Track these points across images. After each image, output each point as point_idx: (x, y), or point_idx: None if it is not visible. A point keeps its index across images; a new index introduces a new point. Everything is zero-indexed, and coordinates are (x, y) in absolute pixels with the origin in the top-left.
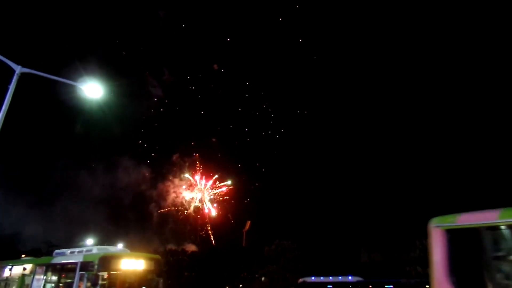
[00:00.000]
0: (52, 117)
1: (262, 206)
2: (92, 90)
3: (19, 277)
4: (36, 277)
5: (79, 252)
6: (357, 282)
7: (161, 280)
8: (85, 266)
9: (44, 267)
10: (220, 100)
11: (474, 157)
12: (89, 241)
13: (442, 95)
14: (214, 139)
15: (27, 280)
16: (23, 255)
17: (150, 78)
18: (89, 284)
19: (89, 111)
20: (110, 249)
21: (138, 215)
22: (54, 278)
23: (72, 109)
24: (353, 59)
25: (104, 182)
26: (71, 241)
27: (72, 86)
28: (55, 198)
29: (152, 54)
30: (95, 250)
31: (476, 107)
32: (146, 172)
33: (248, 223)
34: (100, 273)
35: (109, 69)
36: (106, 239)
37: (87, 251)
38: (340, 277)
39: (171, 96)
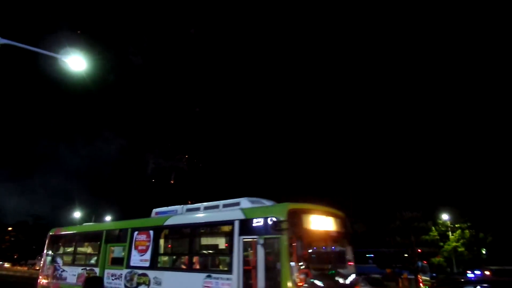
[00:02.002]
0: (31, 89)
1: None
2: (76, 62)
3: (102, 247)
4: (138, 246)
5: (217, 207)
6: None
7: (350, 248)
8: (251, 226)
9: (152, 232)
10: (202, 66)
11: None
12: (77, 213)
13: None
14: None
15: (117, 252)
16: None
17: (130, 46)
18: (268, 252)
19: (69, 83)
20: (264, 201)
21: (119, 186)
22: (177, 246)
23: (52, 81)
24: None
25: (85, 154)
26: (58, 214)
27: (53, 59)
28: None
29: (130, 22)
30: (245, 203)
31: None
32: (126, 142)
33: None
34: (287, 235)
35: (87, 39)
36: (94, 210)
37: (228, 206)
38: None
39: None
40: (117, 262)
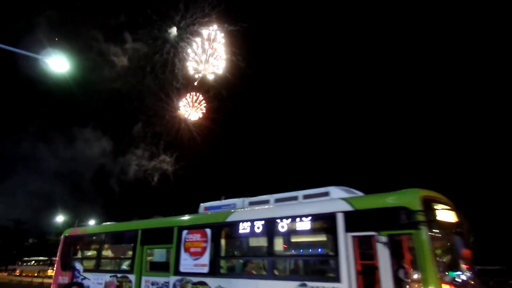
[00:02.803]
0: (10, 90)
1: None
2: (58, 63)
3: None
4: (190, 248)
5: (294, 198)
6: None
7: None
8: (364, 219)
9: (210, 230)
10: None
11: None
12: (60, 217)
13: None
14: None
15: (159, 255)
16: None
17: (112, 46)
18: (396, 251)
19: (50, 83)
20: (355, 191)
21: (101, 188)
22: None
23: (32, 82)
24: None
25: (66, 156)
26: (40, 218)
27: (35, 60)
28: (15, 174)
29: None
30: (337, 192)
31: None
32: (108, 144)
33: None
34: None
35: (69, 40)
36: (77, 214)
37: (312, 196)
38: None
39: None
40: (160, 267)
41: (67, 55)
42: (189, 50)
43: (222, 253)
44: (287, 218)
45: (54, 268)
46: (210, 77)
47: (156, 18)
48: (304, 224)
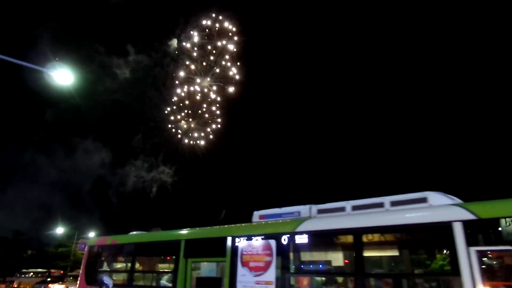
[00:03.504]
0: (12, 101)
1: None
2: (62, 76)
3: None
4: (250, 262)
5: (380, 205)
6: None
7: None
8: (495, 231)
9: (275, 242)
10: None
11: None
12: (59, 229)
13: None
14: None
15: (207, 269)
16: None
17: (114, 58)
18: None
19: (52, 95)
20: (453, 198)
21: (100, 199)
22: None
23: (34, 93)
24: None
25: (65, 167)
26: (39, 229)
27: (38, 71)
28: (14, 184)
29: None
30: (437, 197)
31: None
32: (108, 155)
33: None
34: None
35: (71, 52)
36: (76, 225)
37: (404, 203)
38: None
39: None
40: (210, 284)
41: (70, 67)
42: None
43: (292, 269)
44: (378, 228)
45: (78, 281)
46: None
47: (157, 30)
48: (403, 236)
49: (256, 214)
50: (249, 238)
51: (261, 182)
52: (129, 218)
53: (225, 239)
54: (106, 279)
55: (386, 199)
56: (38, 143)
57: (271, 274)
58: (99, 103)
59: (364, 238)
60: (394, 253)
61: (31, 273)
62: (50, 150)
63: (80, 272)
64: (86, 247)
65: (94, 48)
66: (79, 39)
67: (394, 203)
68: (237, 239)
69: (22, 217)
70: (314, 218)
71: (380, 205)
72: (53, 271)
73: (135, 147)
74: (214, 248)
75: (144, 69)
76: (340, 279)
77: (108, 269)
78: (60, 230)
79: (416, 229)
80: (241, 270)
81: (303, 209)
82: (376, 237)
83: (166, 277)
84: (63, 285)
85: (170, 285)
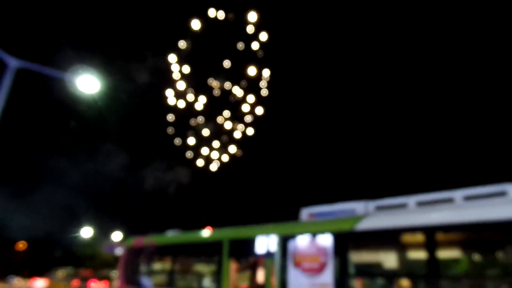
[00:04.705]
0: (37, 108)
1: None
2: (87, 84)
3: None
4: (302, 263)
5: (449, 200)
6: None
7: None
8: None
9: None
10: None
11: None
12: (85, 230)
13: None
14: None
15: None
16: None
17: (133, 63)
18: None
19: (76, 102)
20: None
21: (122, 200)
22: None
23: (60, 100)
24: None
25: (88, 170)
26: (66, 230)
27: (63, 80)
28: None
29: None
30: None
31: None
32: (128, 158)
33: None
34: None
35: (93, 59)
36: (101, 226)
37: (476, 197)
38: None
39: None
40: (257, 285)
41: (93, 74)
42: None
43: (352, 271)
44: (454, 226)
45: (118, 281)
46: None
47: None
48: (483, 234)
49: (305, 212)
50: (301, 237)
51: (296, 179)
52: (152, 217)
53: (273, 238)
54: (145, 280)
55: (457, 194)
56: (61, 148)
57: (328, 276)
58: (119, 107)
59: (437, 237)
60: (471, 253)
61: (62, 272)
62: (73, 153)
63: (118, 273)
64: (124, 248)
65: (115, 53)
66: (98, 44)
67: (467, 198)
68: (287, 238)
69: (50, 219)
70: (373, 215)
71: (449, 200)
72: (81, 270)
73: (155, 148)
74: (261, 248)
75: (162, 73)
76: (405, 282)
77: (147, 270)
78: (85, 231)
79: (498, 226)
80: (292, 272)
81: (358, 206)
82: (451, 235)
83: (208, 278)
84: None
85: (213, 286)
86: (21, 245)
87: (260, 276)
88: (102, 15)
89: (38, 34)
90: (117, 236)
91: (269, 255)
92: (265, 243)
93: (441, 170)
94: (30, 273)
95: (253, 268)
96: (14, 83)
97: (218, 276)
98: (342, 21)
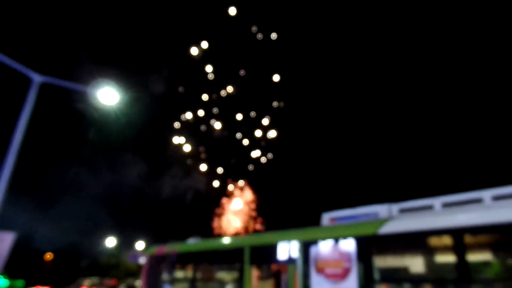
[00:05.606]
0: (59, 120)
1: None
2: (107, 96)
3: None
4: (325, 268)
5: (477, 200)
6: None
7: None
8: None
9: (355, 245)
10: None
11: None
12: (109, 240)
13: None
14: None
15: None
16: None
17: (149, 75)
18: None
19: (95, 113)
20: None
21: (142, 210)
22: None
23: (81, 112)
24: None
25: (108, 180)
26: (90, 240)
27: (80, 92)
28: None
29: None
30: None
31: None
32: (147, 167)
33: None
34: None
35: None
36: (124, 236)
37: (506, 197)
38: None
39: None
40: None
41: (111, 85)
42: None
43: (377, 275)
44: (486, 227)
45: None
46: None
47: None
48: None
49: (327, 217)
50: (323, 242)
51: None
52: (173, 226)
53: (294, 244)
54: None
55: (486, 193)
56: (82, 159)
57: (352, 282)
58: (137, 118)
59: (465, 239)
60: (502, 255)
61: (87, 282)
62: (93, 165)
63: (142, 282)
64: (146, 256)
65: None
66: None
67: (497, 198)
68: (309, 244)
69: (75, 230)
70: (397, 218)
71: (478, 200)
72: (105, 280)
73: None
74: (283, 254)
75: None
76: (433, 287)
77: (169, 278)
78: (109, 241)
79: None
80: (315, 278)
81: (381, 209)
82: (480, 237)
83: (230, 285)
84: None
85: None
86: (48, 256)
87: (283, 282)
88: (120, 32)
89: (58, 50)
90: (140, 245)
91: (291, 261)
92: (287, 249)
93: (463, 172)
94: (56, 284)
95: (275, 275)
96: (37, 97)
97: (240, 283)
98: (350, 35)
